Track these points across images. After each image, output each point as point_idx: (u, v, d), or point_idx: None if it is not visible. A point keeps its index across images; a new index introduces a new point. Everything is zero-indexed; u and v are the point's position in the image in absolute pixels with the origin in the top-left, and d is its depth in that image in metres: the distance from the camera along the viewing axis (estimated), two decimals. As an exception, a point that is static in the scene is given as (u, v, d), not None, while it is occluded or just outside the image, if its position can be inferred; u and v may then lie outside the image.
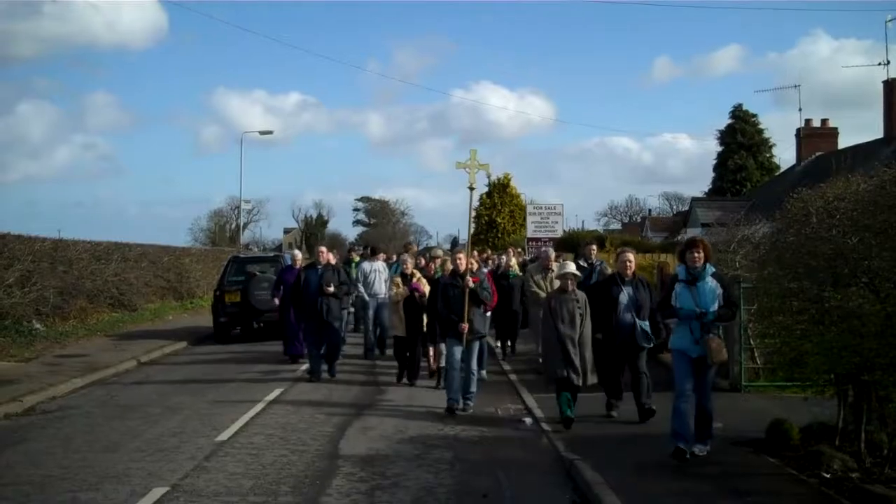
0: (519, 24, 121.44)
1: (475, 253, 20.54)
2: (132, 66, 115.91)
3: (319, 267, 14.47)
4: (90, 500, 7.34)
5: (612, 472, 7.76)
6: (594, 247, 14.46)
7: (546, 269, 14.69)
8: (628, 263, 10.56)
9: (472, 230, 13.26)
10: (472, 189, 12.38)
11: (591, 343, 10.18)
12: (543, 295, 13.35)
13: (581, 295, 10.32)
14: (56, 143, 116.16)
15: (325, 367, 14.17)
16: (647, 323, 10.31)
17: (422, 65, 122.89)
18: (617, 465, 8.15)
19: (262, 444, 9.33)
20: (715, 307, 8.46)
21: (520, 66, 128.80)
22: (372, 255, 18.48)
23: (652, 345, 10.51)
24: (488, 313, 13.13)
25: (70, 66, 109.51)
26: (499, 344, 17.19)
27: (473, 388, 11.35)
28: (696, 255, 8.58)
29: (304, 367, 14.84)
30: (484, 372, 13.41)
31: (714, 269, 8.79)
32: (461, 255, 11.57)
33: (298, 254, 17.41)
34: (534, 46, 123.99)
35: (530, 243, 25.61)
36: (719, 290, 8.57)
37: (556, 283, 12.25)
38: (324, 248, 15.24)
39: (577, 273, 10.76)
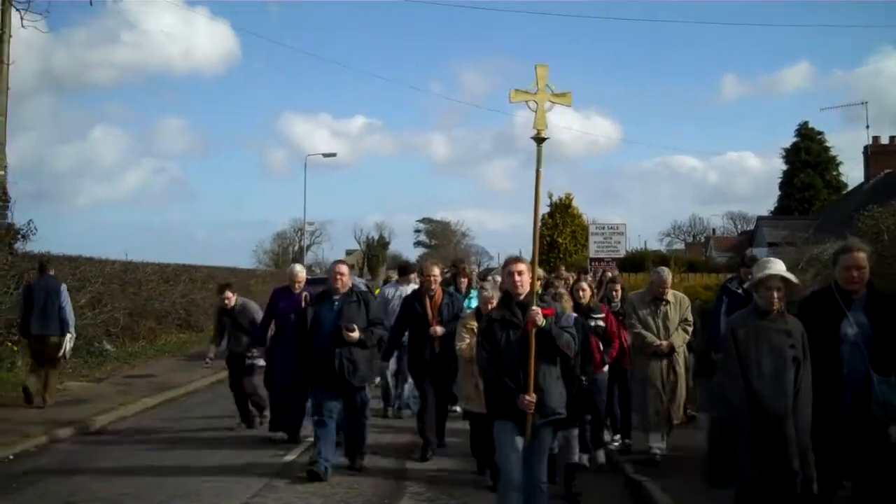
0: (584, 45, 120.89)
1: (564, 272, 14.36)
2: (204, 92, 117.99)
3: (336, 298, 8.95)
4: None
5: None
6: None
7: (659, 298, 9.40)
8: (855, 274, 5.97)
9: (539, 229, 7.18)
10: (540, 140, 6.71)
11: (810, 416, 5.72)
12: (655, 341, 9.18)
13: (795, 324, 5.88)
14: (127, 168, 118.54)
15: (341, 457, 9.23)
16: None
17: (486, 86, 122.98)
18: None
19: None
20: None
21: (585, 86, 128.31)
22: (402, 275, 13.37)
23: None
24: (606, 368, 9.34)
25: (144, 92, 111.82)
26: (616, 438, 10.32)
27: None
28: None
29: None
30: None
31: None
32: (521, 267, 6.41)
33: (299, 270, 11.16)
34: (599, 66, 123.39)
35: (593, 263, 25.43)
36: None
37: (674, 322, 9.30)
38: (343, 268, 9.19)
39: (792, 277, 6.02)
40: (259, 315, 11.21)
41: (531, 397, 6.08)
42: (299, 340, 8.99)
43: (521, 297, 6.36)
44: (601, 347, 9.06)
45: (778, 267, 6.06)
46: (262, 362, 11.03)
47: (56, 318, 13.03)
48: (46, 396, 13.05)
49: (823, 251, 15.43)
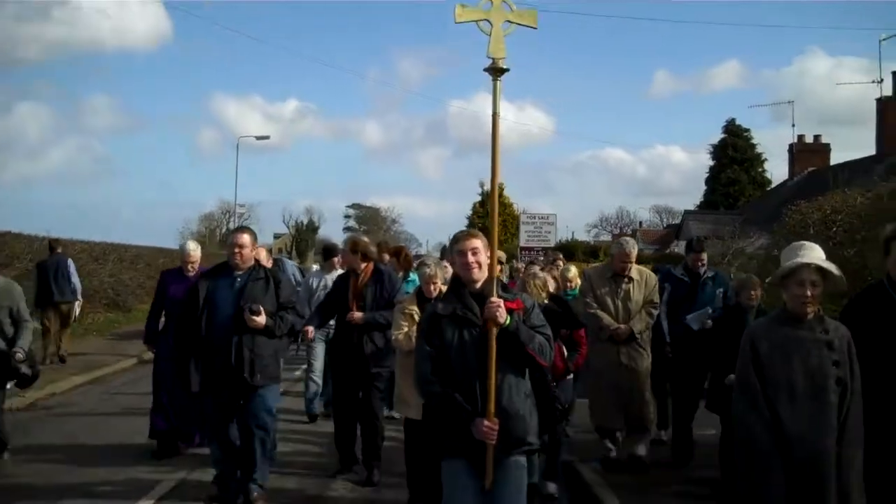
0: (520, 37, 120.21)
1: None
2: (135, 71, 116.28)
3: (238, 274, 7.12)
4: (116, 479, 7.70)
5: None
6: (703, 254, 8.84)
7: (619, 274, 8.17)
8: None
9: (497, 188, 5.21)
10: (497, 72, 4.83)
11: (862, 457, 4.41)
12: (612, 324, 7.98)
13: (837, 331, 4.52)
14: (53, 145, 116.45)
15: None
16: None
17: (422, 75, 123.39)
18: None
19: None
20: None
21: (521, 78, 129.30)
22: (325, 259, 11.68)
23: None
24: (570, 377, 7.72)
25: (74, 70, 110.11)
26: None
27: None
28: None
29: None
30: None
31: None
32: (477, 244, 4.69)
33: (193, 248, 9.17)
34: (535, 59, 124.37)
35: (523, 252, 25.71)
36: None
37: (637, 303, 8.07)
38: (244, 237, 7.15)
39: (833, 267, 4.60)
40: (23, 305, 8.38)
41: (491, 423, 4.39)
42: (184, 324, 7.19)
43: (478, 286, 4.66)
44: (564, 353, 7.37)
45: (814, 254, 4.63)
46: (26, 368, 8.13)
47: (68, 288, 15.47)
48: (63, 354, 15.49)
49: (748, 244, 15.96)
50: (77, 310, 16.00)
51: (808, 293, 4.42)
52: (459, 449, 4.50)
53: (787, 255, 4.70)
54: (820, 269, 4.47)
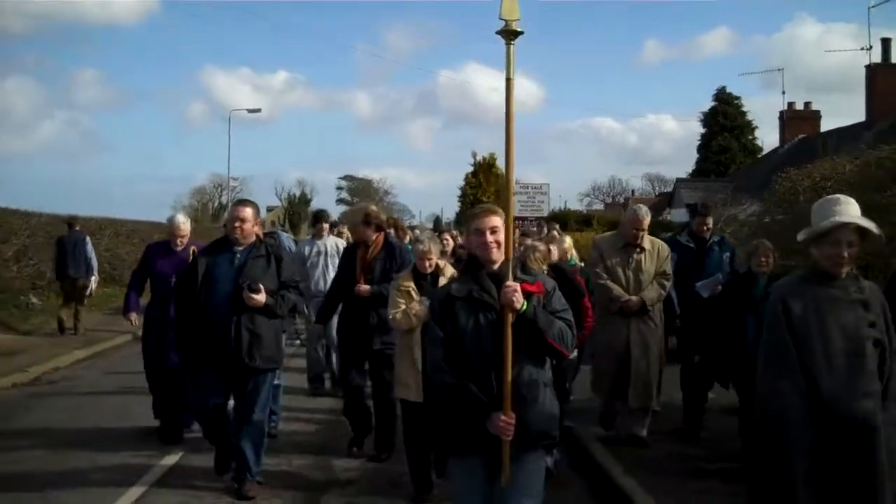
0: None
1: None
2: (123, 44, 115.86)
3: (239, 249, 6.69)
4: (110, 464, 7.59)
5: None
6: (709, 218, 8.86)
7: (632, 245, 7.84)
8: None
9: (513, 156, 4.28)
10: (511, 35, 4.24)
11: None
12: (623, 296, 7.69)
13: (872, 291, 4.11)
14: (40, 119, 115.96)
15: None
16: None
17: (412, 44, 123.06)
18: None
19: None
20: None
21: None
22: (312, 224, 11.63)
23: None
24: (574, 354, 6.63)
25: (60, 42, 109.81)
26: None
27: None
28: None
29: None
30: None
31: None
32: (496, 222, 4.21)
33: (182, 221, 8.66)
34: (527, 29, 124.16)
35: (516, 222, 25.75)
36: None
37: (649, 274, 7.79)
38: (246, 211, 6.75)
39: (872, 225, 4.02)
40: None
41: (508, 417, 3.98)
42: (183, 303, 6.82)
43: (496, 266, 4.21)
44: None
45: (851, 211, 4.05)
46: None
47: (83, 264, 16.07)
48: (78, 326, 16.08)
49: (740, 211, 16.12)
50: (93, 285, 16.59)
51: (845, 254, 3.94)
52: (473, 444, 4.11)
53: (822, 211, 4.11)
54: (858, 229, 3.98)
